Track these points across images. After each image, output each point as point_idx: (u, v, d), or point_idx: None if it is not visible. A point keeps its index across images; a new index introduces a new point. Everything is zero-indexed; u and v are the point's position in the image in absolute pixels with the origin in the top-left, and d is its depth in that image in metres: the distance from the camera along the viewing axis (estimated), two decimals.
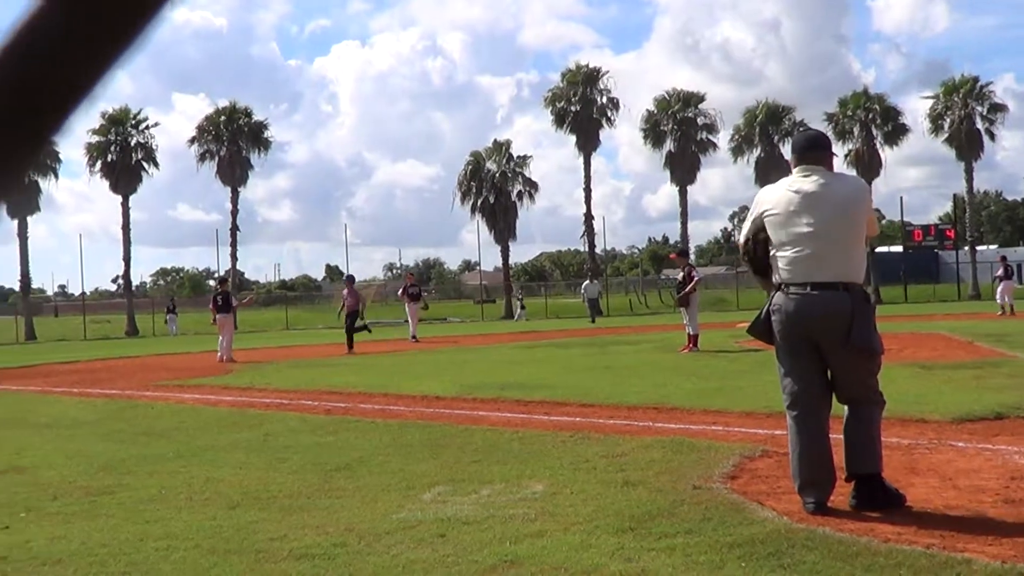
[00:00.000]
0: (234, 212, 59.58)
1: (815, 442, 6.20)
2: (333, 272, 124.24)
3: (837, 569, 4.82)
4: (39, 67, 0.41)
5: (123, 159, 57.10)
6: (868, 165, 57.93)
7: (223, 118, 59.35)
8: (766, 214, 6.39)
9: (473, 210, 60.75)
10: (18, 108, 0.42)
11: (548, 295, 71.59)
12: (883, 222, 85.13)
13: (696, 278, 21.00)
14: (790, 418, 6.32)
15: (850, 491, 6.21)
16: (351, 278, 31.10)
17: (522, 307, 52.21)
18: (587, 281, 44.24)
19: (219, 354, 24.18)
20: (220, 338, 24.64)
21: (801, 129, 53.38)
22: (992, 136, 60.03)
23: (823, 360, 6.27)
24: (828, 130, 55.99)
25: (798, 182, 6.32)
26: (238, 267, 63.21)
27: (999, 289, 37.93)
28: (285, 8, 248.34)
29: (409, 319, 32.00)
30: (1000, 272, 38.58)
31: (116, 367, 24.45)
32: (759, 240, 6.48)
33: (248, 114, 60.13)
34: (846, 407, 6.35)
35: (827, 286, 6.15)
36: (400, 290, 33.73)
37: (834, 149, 6.69)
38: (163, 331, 52.87)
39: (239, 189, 59.77)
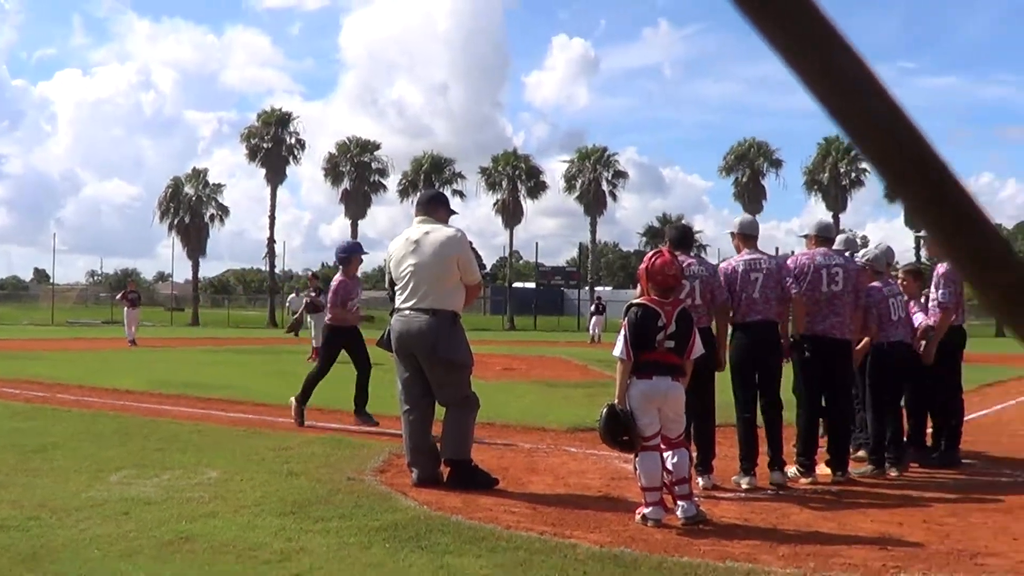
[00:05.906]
0: None
1: (415, 433, 7.67)
2: (40, 275, 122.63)
3: (466, 550, 5.45)
4: None
5: None
6: (513, 213, 65.26)
7: None
8: (390, 259, 7.96)
9: (170, 228, 64.36)
10: None
11: (231, 307, 77.96)
12: (520, 262, 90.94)
13: (305, 301, 22.16)
14: (401, 413, 7.81)
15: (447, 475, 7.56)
16: None
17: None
18: (293, 295, 43.09)
19: None
20: None
21: (453, 179, 62.56)
22: (615, 197, 68.01)
23: (423, 369, 7.67)
24: (481, 182, 66.42)
25: (411, 231, 7.92)
26: None
27: (591, 322, 42.72)
28: (14, 35, 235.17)
29: (127, 323, 31.88)
30: (593, 308, 43.46)
31: None
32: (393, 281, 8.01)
33: None
34: (446, 408, 7.71)
35: (422, 311, 7.61)
36: (120, 295, 33.89)
37: (454, 204, 8.63)
38: None
39: None
